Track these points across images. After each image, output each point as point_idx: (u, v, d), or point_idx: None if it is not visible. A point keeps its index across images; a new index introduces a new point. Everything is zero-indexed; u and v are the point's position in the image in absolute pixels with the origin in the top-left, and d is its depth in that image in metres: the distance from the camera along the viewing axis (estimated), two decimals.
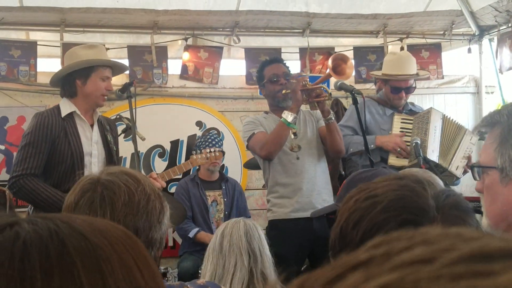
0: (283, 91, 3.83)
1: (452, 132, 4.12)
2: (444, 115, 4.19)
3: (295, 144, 3.80)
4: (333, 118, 3.69)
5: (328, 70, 3.58)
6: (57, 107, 3.47)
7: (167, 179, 3.90)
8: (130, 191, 1.46)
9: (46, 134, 3.32)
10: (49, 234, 0.61)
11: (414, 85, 4.23)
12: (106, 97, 3.54)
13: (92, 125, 3.53)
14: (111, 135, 3.62)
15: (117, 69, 3.68)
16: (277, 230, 3.78)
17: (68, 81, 3.46)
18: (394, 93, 4.16)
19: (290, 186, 3.79)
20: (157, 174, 3.65)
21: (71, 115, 3.43)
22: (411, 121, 4.12)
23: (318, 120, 3.92)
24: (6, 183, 5.19)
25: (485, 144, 1.48)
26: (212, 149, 4.44)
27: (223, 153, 4.98)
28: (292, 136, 3.73)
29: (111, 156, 3.59)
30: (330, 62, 3.60)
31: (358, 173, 1.79)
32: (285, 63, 4.05)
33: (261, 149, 3.79)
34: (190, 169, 4.68)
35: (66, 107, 3.44)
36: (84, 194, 1.49)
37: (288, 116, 3.64)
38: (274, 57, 4.19)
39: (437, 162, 3.94)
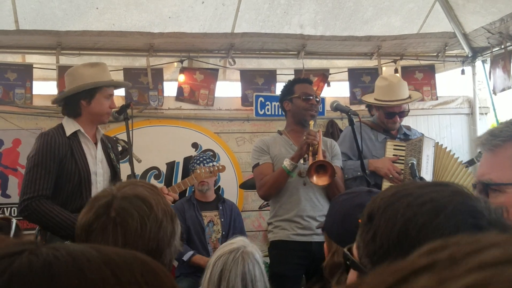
0: (309, 119, 3.88)
1: (446, 163, 4.15)
2: (437, 142, 4.23)
3: (303, 169, 3.83)
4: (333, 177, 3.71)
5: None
6: (61, 126, 3.43)
7: (178, 191, 3.91)
8: (143, 220, 1.48)
9: (54, 153, 3.28)
10: (42, 269, 0.58)
11: (407, 109, 4.26)
12: (110, 115, 3.53)
13: (95, 144, 3.51)
14: (113, 153, 3.61)
15: (119, 85, 3.73)
16: (278, 250, 3.84)
17: (72, 101, 3.44)
18: (388, 118, 4.19)
19: (293, 210, 3.81)
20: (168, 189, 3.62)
21: (75, 134, 3.41)
22: (404, 148, 4.13)
23: (332, 157, 3.94)
24: (2, 206, 5.19)
25: (497, 160, 1.42)
26: (215, 163, 4.50)
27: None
28: (302, 161, 3.76)
29: (115, 174, 3.58)
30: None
31: (339, 197, 1.80)
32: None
33: (259, 189, 3.90)
34: (187, 188, 4.67)
35: (70, 126, 3.42)
36: (98, 218, 1.50)
37: (288, 165, 3.71)
38: (307, 78, 4.27)
39: None
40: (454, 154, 4.30)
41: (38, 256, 0.60)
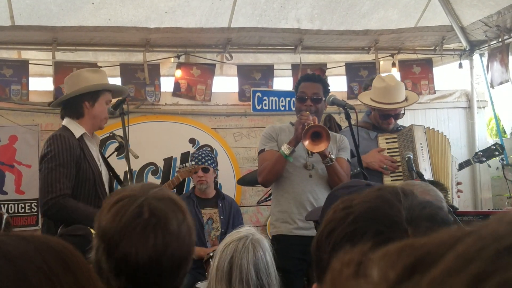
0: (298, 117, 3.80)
1: (438, 143, 4.18)
2: (426, 127, 4.24)
3: (309, 162, 3.82)
4: (330, 162, 3.67)
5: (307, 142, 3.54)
6: (67, 129, 3.48)
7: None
8: (179, 224, 1.46)
9: (72, 154, 3.34)
10: None
11: (403, 111, 4.24)
12: (107, 120, 3.66)
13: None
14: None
15: (116, 93, 3.82)
16: (279, 245, 3.78)
17: (75, 102, 3.50)
18: (383, 119, 4.20)
19: (296, 202, 3.80)
20: None
21: (81, 136, 3.48)
22: (396, 139, 4.14)
23: (338, 149, 3.90)
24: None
25: None
26: (193, 162, 4.53)
27: (213, 169, 5.01)
28: (309, 153, 3.75)
29: (111, 175, 3.67)
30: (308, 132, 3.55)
31: (338, 188, 1.78)
32: (324, 83, 3.98)
33: (259, 175, 3.88)
34: (184, 184, 4.66)
35: (77, 128, 3.48)
36: (135, 220, 1.44)
37: (285, 149, 3.68)
38: (313, 74, 4.11)
39: (432, 180, 3.95)
40: (442, 132, 4.33)
41: None
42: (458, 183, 4.32)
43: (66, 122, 3.53)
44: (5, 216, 2.54)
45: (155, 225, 1.43)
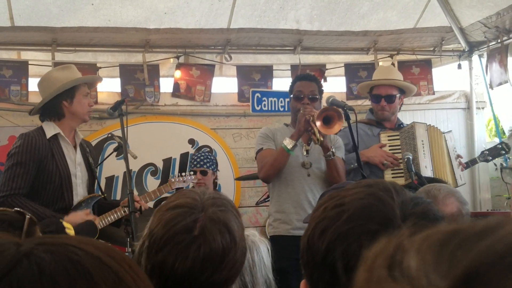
0: (300, 111, 3.82)
1: (438, 140, 4.20)
2: (429, 125, 4.25)
3: (307, 161, 3.83)
4: (332, 156, 3.69)
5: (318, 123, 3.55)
6: (41, 129, 3.54)
7: (150, 200, 3.95)
8: (223, 254, 1.46)
9: (34, 154, 3.38)
10: (73, 265, 0.58)
11: (397, 95, 4.23)
12: (91, 113, 3.72)
13: (74, 147, 3.63)
14: (91, 157, 3.75)
15: (91, 83, 3.90)
16: (278, 246, 3.78)
17: (53, 105, 3.54)
18: (375, 102, 4.23)
19: (293, 202, 3.82)
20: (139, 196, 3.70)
21: (55, 136, 3.51)
22: (398, 137, 4.15)
23: (334, 149, 3.91)
24: None
25: None
26: (187, 173, 4.54)
27: (212, 172, 5.01)
28: (304, 153, 3.76)
29: (93, 178, 3.71)
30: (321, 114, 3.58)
31: (331, 189, 1.78)
32: (318, 83, 4.07)
33: (260, 171, 3.90)
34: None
35: (51, 129, 3.52)
36: (184, 234, 1.46)
37: (288, 143, 3.69)
38: (308, 74, 4.22)
39: (433, 177, 3.97)
40: (437, 127, 4.38)
41: (55, 254, 0.59)
42: (458, 156, 4.37)
43: (44, 123, 3.59)
44: (27, 216, 2.54)
45: (200, 245, 1.44)
